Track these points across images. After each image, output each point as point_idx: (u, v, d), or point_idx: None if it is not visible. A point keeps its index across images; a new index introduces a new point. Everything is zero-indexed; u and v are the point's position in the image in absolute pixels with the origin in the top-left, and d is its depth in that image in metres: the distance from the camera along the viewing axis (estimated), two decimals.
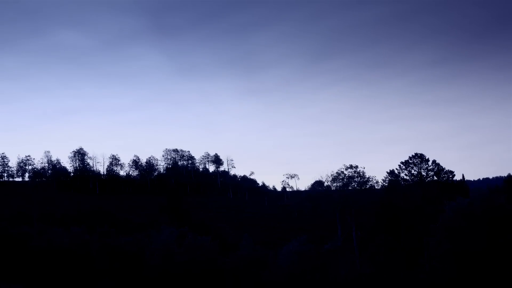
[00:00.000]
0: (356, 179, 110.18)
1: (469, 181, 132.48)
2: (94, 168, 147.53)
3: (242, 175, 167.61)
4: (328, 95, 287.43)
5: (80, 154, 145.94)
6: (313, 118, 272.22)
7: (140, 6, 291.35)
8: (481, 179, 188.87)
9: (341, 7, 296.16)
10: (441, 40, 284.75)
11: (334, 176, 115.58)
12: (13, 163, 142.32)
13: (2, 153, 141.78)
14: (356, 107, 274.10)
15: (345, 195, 79.97)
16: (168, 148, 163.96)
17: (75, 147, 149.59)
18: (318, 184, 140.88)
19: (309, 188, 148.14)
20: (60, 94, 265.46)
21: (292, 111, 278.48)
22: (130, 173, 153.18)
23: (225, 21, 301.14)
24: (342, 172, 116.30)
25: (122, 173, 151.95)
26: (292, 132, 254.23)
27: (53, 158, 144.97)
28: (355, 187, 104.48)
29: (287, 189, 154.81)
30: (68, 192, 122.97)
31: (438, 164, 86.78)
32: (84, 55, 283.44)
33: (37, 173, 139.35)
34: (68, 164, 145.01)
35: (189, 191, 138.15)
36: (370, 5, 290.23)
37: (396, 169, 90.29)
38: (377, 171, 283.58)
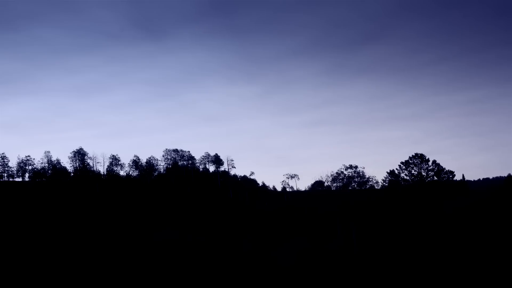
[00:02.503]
0: (356, 179, 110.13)
1: (469, 181, 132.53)
2: (94, 168, 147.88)
3: (242, 175, 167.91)
4: (328, 95, 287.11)
5: (80, 154, 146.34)
6: (313, 118, 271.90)
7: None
8: (481, 179, 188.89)
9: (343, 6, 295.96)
10: (442, 39, 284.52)
11: (334, 176, 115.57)
12: (13, 163, 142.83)
13: (2, 153, 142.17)
14: (357, 106, 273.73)
15: (345, 195, 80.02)
16: (168, 148, 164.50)
17: (75, 147, 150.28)
18: (318, 184, 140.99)
19: (309, 188, 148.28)
20: (61, 93, 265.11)
21: (293, 111, 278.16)
22: (130, 173, 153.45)
23: (229, 20, 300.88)
24: (342, 172, 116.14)
25: (122, 173, 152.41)
26: (293, 132, 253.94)
27: (53, 158, 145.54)
28: (355, 187, 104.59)
29: (287, 189, 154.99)
30: (68, 192, 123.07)
31: (438, 164, 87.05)
32: (83, 51, 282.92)
33: (37, 173, 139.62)
34: (68, 164, 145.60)
35: (189, 191, 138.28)
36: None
37: (396, 169, 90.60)
38: (377, 171, 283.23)
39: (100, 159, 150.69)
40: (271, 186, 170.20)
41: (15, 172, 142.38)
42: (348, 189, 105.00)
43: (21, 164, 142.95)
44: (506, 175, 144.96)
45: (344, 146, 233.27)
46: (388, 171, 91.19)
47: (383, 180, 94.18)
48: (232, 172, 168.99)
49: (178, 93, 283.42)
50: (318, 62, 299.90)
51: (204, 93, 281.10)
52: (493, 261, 17.86)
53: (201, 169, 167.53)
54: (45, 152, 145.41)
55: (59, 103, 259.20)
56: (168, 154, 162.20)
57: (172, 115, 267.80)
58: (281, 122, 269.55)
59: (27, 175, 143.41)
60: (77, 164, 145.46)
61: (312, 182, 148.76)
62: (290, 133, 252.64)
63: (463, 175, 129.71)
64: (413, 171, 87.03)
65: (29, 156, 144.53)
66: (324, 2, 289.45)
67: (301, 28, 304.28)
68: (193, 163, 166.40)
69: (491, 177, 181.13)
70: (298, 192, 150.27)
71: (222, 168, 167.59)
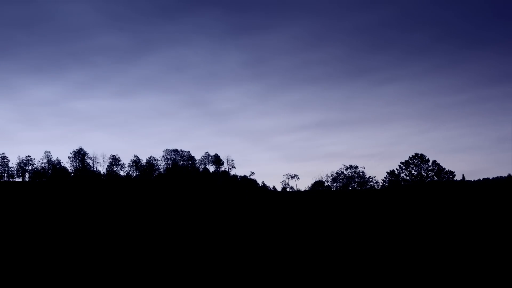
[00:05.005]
0: (356, 179, 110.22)
1: (469, 181, 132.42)
2: (94, 168, 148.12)
3: (242, 175, 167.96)
4: (329, 96, 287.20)
5: (80, 154, 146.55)
6: (314, 119, 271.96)
7: None
8: (481, 179, 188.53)
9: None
10: (441, 40, 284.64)
11: (334, 176, 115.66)
12: (13, 163, 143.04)
13: (2, 153, 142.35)
14: (356, 106, 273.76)
15: (345, 195, 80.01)
16: (168, 148, 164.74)
17: (75, 147, 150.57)
18: (318, 184, 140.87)
19: (309, 188, 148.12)
20: (60, 92, 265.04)
21: (294, 111, 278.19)
22: (130, 173, 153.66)
23: (231, 16, 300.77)
24: (342, 172, 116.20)
25: (122, 173, 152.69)
26: (293, 132, 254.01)
27: (53, 158, 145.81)
28: (355, 187, 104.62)
29: (287, 189, 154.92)
30: (68, 192, 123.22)
31: (439, 164, 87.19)
32: (80, 48, 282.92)
33: (37, 173, 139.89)
34: (68, 164, 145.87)
35: (189, 192, 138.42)
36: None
37: (396, 169, 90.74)
38: (377, 172, 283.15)
39: (100, 159, 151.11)
40: (271, 186, 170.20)
41: (15, 172, 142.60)
42: (348, 189, 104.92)
43: (21, 164, 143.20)
44: (506, 175, 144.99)
45: (344, 146, 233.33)
46: (388, 171, 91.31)
47: (383, 180, 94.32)
48: (232, 172, 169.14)
49: (179, 92, 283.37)
50: (318, 61, 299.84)
51: (205, 93, 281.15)
52: (494, 261, 17.89)
53: (201, 169, 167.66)
54: (45, 152, 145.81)
55: (59, 101, 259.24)
56: (168, 154, 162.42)
57: (173, 115, 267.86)
58: (281, 122, 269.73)
59: (27, 175, 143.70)
60: (77, 164, 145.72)
61: (312, 182, 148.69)
62: (291, 133, 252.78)
63: (463, 175, 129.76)
64: (413, 171, 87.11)
65: (29, 156, 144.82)
66: None
67: (301, 27, 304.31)
68: (193, 163, 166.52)
69: (491, 177, 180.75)
70: (298, 192, 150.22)
71: (222, 168, 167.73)
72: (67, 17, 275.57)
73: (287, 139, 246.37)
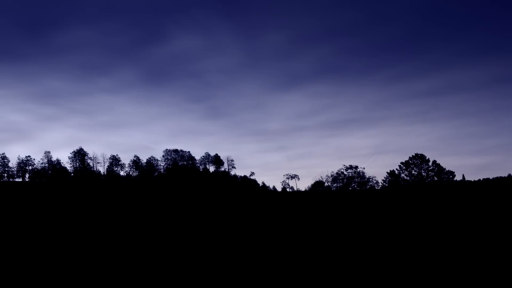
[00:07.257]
0: (356, 180, 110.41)
1: (469, 181, 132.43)
2: (94, 168, 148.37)
3: (242, 175, 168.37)
4: (327, 97, 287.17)
5: (80, 154, 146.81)
6: (315, 119, 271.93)
7: None
8: (481, 179, 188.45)
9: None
10: (439, 39, 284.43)
11: (334, 177, 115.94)
12: (13, 164, 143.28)
13: (2, 154, 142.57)
14: (356, 105, 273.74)
15: (345, 195, 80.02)
16: (168, 148, 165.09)
17: (75, 147, 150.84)
18: (318, 184, 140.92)
19: (309, 188, 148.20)
20: (59, 92, 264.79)
21: (294, 111, 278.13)
22: (131, 173, 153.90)
23: (232, 12, 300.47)
24: (342, 172, 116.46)
25: (122, 173, 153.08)
26: (294, 132, 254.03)
27: (53, 159, 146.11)
28: (355, 188, 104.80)
29: (287, 189, 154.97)
30: (68, 192, 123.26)
31: (439, 165, 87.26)
32: (81, 47, 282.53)
33: (37, 173, 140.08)
34: (68, 164, 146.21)
35: (189, 192, 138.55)
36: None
37: (396, 169, 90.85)
38: (377, 171, 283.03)
39: (100, 159, 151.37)
40: (271, 187, 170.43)
41: (15, 172, 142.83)
42: (348, 189, 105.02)
43: (21, 164, 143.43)
44: (506, 175, 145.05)
45: (344, 146, 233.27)
46: (388, 171, 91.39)
47: (383, 180, 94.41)
48: (232, 172, 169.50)
49: (179, 91, 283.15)
50: (317, 59, 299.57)
51: (205, 92, 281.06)
52: (494, 261, 17.89)
53: (201, 170, 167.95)
54: (45, 152, 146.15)
55: (58, 101, 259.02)
56: (168, 155, 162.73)
57: (173, 115, 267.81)
58: (282, 122, 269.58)
59: (27, 175, 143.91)
60: (77, 164, 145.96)
61: (312, 183, 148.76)
62: (291, 134, 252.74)
63: (463, 175, 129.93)
64: (413, 171, 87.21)
65: (29, 156, 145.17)
66: None
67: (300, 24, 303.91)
68: (193, 164, 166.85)
69: (491, 177, 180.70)
70: (299, 192, 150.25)
71: (222, 169, 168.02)
72: (65, 8, 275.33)
73: (287, 139, 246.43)
